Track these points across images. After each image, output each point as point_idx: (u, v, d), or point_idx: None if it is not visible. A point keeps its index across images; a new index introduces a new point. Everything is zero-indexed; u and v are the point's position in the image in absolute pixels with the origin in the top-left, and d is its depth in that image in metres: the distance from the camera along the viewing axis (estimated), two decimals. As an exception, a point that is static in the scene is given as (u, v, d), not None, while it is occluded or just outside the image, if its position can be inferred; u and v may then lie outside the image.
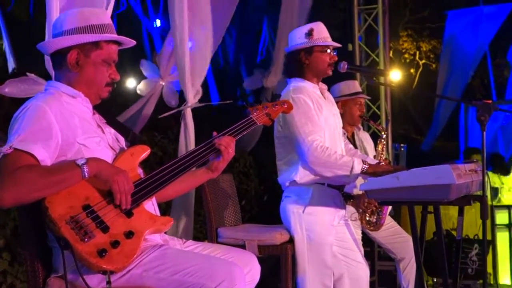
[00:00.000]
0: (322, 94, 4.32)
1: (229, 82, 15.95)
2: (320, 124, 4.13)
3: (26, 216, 2.77)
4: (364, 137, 5.58)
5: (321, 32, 4.24)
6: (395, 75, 16.78)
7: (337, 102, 5.22)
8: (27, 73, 4.28)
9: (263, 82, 7.51)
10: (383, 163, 5.08)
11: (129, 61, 12.97)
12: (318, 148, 4.01)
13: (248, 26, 16.39)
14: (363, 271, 4.34)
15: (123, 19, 16.87)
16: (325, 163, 4.03)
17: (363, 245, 5.51)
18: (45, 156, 2.67)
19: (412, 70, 20.94)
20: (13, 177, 2.56)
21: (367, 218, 5.03)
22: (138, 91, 6.84)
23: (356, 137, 5.44)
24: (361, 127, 5.59)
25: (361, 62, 8.21)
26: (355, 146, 5.32)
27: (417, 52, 20.67)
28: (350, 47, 8.06)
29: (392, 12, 15.13)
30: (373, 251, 5.66)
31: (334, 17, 13.30)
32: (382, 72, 4.35)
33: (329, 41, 4.25)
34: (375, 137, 5.65)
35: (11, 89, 5.09)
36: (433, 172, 3.69)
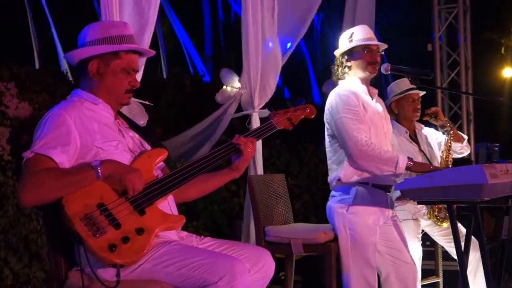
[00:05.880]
0: (372, 98, 4.41)
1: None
2: (365, 121, 4.22)
3: (48, 212, 2.99)
4: (429, 134, 5.56)
5: (361, 34, 4.37)
6: (508, 72, 16.32)
7: (391, 104, 5.30)
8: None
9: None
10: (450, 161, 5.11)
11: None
12: (362, 142, 4.10)
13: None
14: (411, 271, 4.35)
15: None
16: (369, 157, 4.11)
17: (427, 245, 5.52)
18: (64, 159, 2.90)
19: (525, 67, 20.23)
20: (33, 179, 2.80)
21: (436, 214, 5.04)
22: (217, 100, 6.99)
23: (418, 134, 5.43)
24: (423, 126, 5.56)
25: (442, 62, 8.15)
26: (418, 144, 5.33)
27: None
28: (429, 47, 8.00)
29: (503, 7, 14.79)
30: (436, 250, 5.62)
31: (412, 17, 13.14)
32: (428, 74, 4.34)
33: (368, 41, 4.34)
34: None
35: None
36: (466, 172, 3.72)
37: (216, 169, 3.30)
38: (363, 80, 4.40)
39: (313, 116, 3.65)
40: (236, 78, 6.59)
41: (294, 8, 6.38)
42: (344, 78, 4.40)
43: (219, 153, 3.24)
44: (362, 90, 4.36)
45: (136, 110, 5.09)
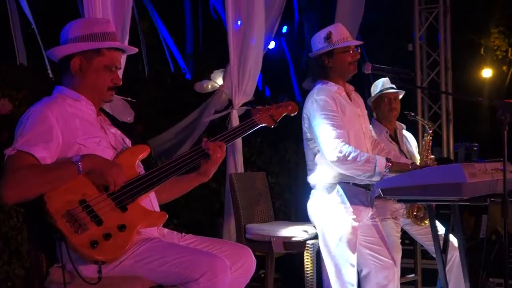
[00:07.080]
0: (349, 95, 4.41)
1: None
2: (343, 125, 4.22)
3: (29, 209, 2.99)
4: (408, 135, 5.61)
5: (339, 34, 4.32)
6: (486, 73, 16.41)
7: (371, 103, 5.34)
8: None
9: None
10: (429, 160, 5.14)
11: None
12: (340, 149, 4.09)
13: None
14: (390, 269, 4.37)
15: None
16: (348, 162, 4.09)
17: (407, 243, 5.56)
18: (46, 156, 2.89)
19: (504, 68, 20.40)
20: (15, 176, 2.79)
21: (415, 213, 5.08)
22: (195, 89, 6.99)
23: (399, 134, 5.47)
24: (404, 126, 5.60)
25: (422, 62, 8.22)
26: (398, 144, 5.37)
27: (510, 49, 20.10)
28: (410, 47, 8.06)
29: (482, 8, 14.89)
30: (415, 249, 5.67)
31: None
32: (409, 73, 4.34)
33: (349, 41, 4.33)
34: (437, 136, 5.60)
35: None
36: (445, 170, 3.76)
37: (184, 172, 3.29)
38: (342, 80, 4.40)
39: (295, 113, 3.66)
40: (221, 77, 6.61)
41: (272, 4, 6.39)
42: (322, 78, 4.39)
43: (190, 157, 3.23)
44: (339, 90, 4.34)
45: (121, 107, 5.08)
